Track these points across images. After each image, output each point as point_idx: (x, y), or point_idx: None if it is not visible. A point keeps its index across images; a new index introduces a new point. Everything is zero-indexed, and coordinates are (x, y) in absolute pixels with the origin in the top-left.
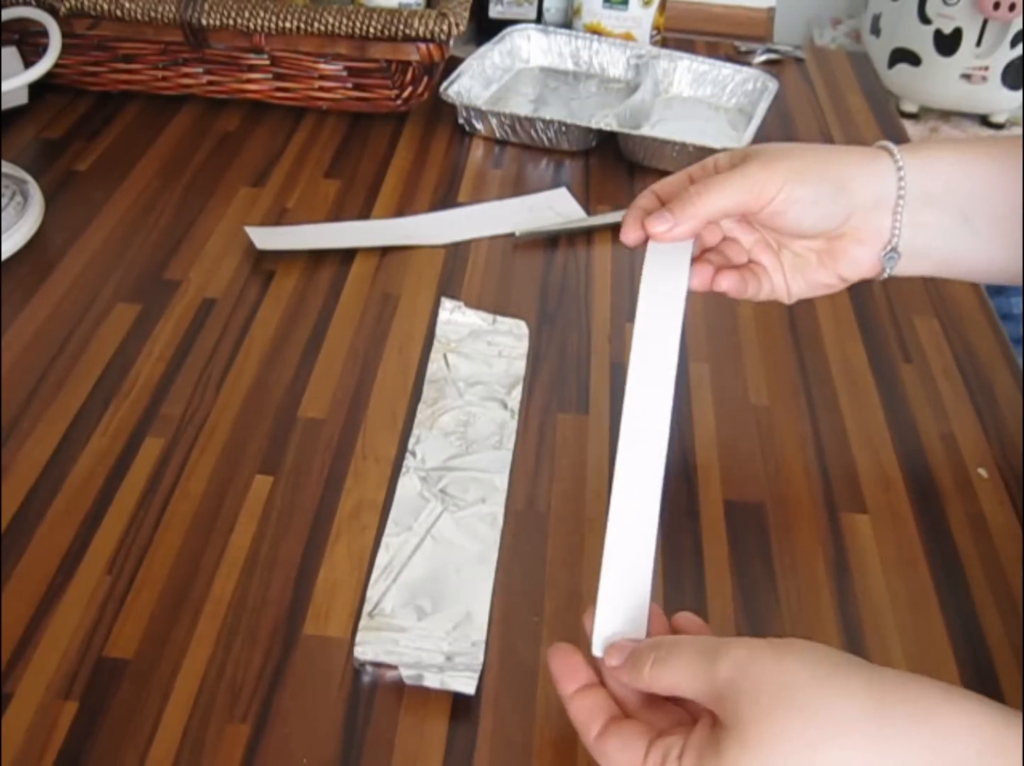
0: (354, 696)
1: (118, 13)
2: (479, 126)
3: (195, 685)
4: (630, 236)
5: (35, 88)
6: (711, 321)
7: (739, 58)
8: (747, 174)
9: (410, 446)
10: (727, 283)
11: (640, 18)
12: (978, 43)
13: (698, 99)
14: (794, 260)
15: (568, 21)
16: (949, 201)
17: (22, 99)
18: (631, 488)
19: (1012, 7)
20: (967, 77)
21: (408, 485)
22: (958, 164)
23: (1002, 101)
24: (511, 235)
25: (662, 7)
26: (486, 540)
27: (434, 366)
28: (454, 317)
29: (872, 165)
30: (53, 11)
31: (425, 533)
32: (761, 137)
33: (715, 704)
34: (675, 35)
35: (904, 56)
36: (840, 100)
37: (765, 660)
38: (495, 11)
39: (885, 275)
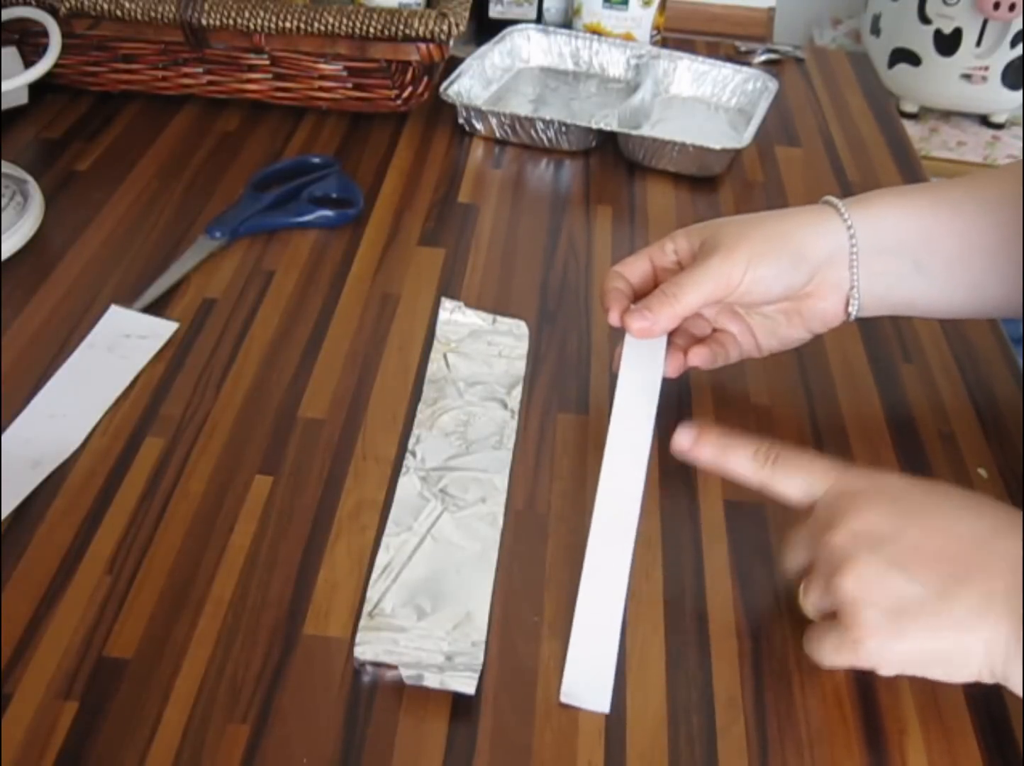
0: (354, 696)
1: (118, 13)
2: (479, 126)
3: (195, 685)
4: (613, 319)
5: (35, 88)
6: None
7: (739, 58)
8: (711, 266)
9: (410, 446)
10: (698, 359)
11: (640, 18)
12: (978, 43)
13: (698, 99)
14: (764, 322)
15: (568, 21)
16: (900, 251)
17: (22, 99)
18: (605, 547)
19: (1012, 7)
20: (967, 77)
21: (408, 485)
22: (904, 215)
23: (1002, 101)
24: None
25: (662, 7)
26: (486, 540)
27: (434, 366)
28: (454, 317)
29: (823, 225)
30: (53, 11)
31: (425, 533)
32: (761, 137)
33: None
34: (675, 35)
35: (904, 56)
36: (840, 100)
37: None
38: (495, 11)
39: (851, 319)
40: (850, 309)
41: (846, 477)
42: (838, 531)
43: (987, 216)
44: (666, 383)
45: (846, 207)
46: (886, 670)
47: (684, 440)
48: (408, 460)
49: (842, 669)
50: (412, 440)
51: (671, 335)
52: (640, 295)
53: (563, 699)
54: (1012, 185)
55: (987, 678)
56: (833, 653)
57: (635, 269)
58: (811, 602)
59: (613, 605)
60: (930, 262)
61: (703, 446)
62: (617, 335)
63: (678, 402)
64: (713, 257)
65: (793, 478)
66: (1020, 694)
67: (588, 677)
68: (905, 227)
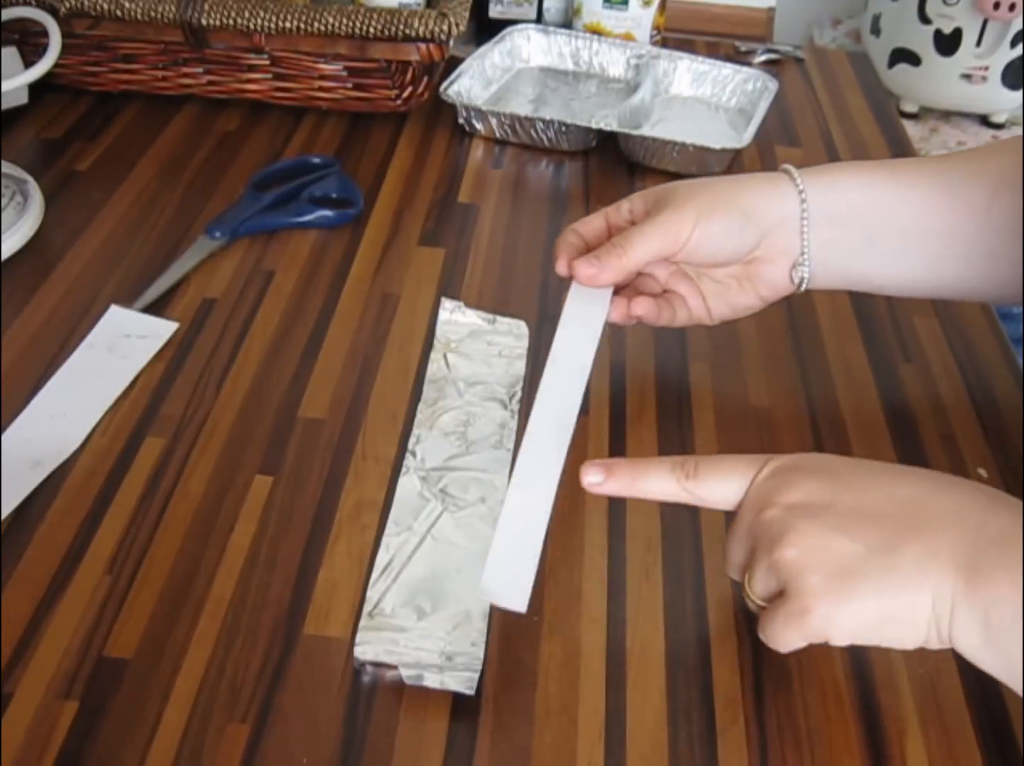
0: (354, 696)
1: (118, 13)
2: (479, 126)
3: (195, 685)
4: (561, 268)
5: (35, 88)
6: None
7: (739, 58)
8: (660, 222)
9: (410, 446)
10: (641, 309)
11: (640, 18)
12: (978, 43)
13: (698, 99)
14: (714, 287)
15: (568, 21)
16: (852, 221)
17: (22, 99)
18: (535, 459)
19: (1012, 7)
20: (967, 77)
21: (408, 485)
22: (861, 186)
23: (1002, 101)
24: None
25: (662, 7)
26: (486, 540)
27: (434, 366)
28: (454, 317)
29: (775, 189)
30: (53, 11)
31: (425, 533)
32: (761, 137)
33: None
34: (675, 35)
35: (904, 56)
36: (840, 100)
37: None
38: (495, 11)
39: (801, 289)
40: (796, 275)
41: (773, 462)
42: (772, 508)
43: (943, 193)
44: (666, 385)
45: (801, 175)
46: (838, 639)
47: (593, 477)
48: (408, 460)
49: (796, 648)
50: (412, 440)
51: (619, 290)
52: (592, 249)
53: (480, 596)
54: (974, 165)
55: (935, 642)
56: (783, 629)
57: (590, 227)
58: (757, 588)
59: (539, 512)
60: (883, 236)
61: (616, 477)
62: (617, 335)
63: (678, 403)
64: (663, 213)
65: (718, 483)
66: (964, 653)
67: (508, 575)
68: (858, 197)
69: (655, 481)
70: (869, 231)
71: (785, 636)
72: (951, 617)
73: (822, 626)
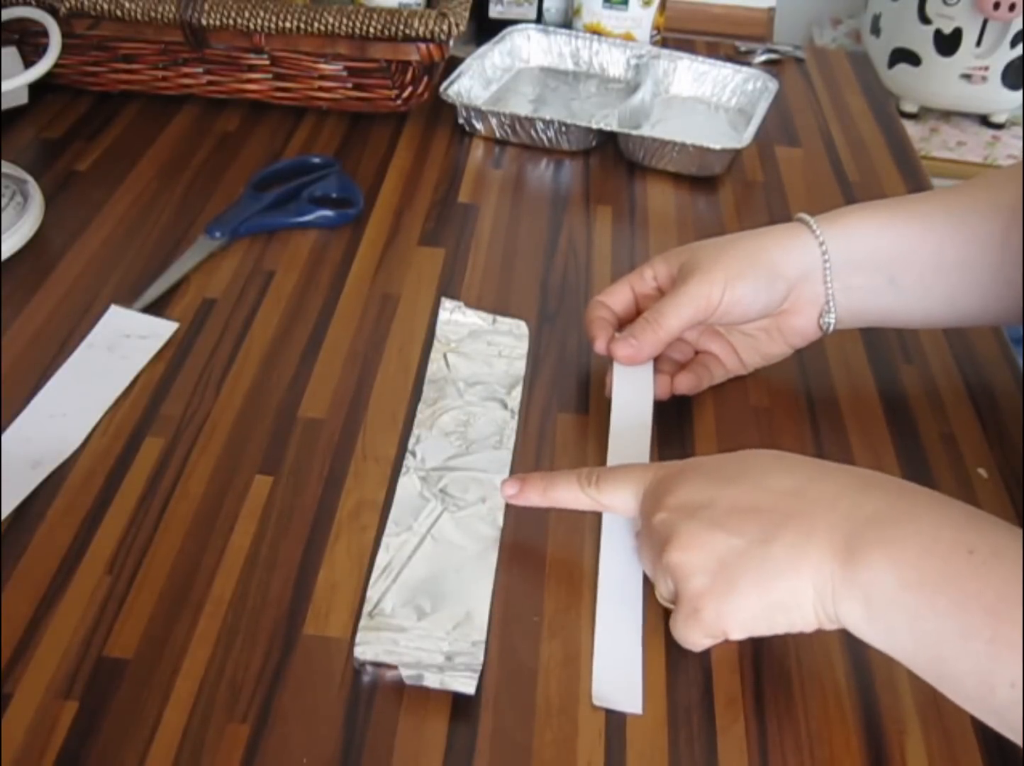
0: (354, 696)
1: (118, 13)
2: (479, 126)
3: (195, 685)
4: (600, 349)
5: (35, 88)
6: None
7: (739, 58)
8: (689, 291)
9: (410, 446)
10: (684, 386)
11: (640, 18)
12: (978, 43)
13: (698, 99)
14: (745, 340)
15: (568, 21)
16: (873, 265)
17: (22, 99)
18: (616, 558)
19: (1012, 7)
20: (967, 77)
21: (408, 485)
22: (876, 228)
23: (1002, 101)
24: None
25: (662, 7)
26: (486, 540)
27: (434, 366)
28: (454, 317)
29: (795, 242)
30: (53, 11)
31: (425, 533)
32: (761, 137)
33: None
34: (675, 35)
35: (904, 56)
36: (840, 100)
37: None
38: (495, 11)
39: (827, 333)
40: (823, 323)
41: (660, 470)
42: (659, 512)
43: (960, 229)
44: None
45: (818, 223)
46: (736, 633)
47: (510, 489)
48: (408, 460)
49: (706, 646)
50: (412, 440)
51: (656, 361)
52: (624, 322)
53: (595, 702)
54: (983, 196)
55: (827, 623)
56: (684, 629)
57: (617, 298)
58: (661, 590)
59: (633, 611)
60: (904, 276)
61: (529, 489)
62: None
63: (678, 404)
64: (691, 280)
65: (616, 490)
66: (857, 633)
67: (617, 678)
68: (877, 242)
69: (563, 490)
70: (890, 273)
71: (689, 636)
72: (833, 598)
73: (715, 623)
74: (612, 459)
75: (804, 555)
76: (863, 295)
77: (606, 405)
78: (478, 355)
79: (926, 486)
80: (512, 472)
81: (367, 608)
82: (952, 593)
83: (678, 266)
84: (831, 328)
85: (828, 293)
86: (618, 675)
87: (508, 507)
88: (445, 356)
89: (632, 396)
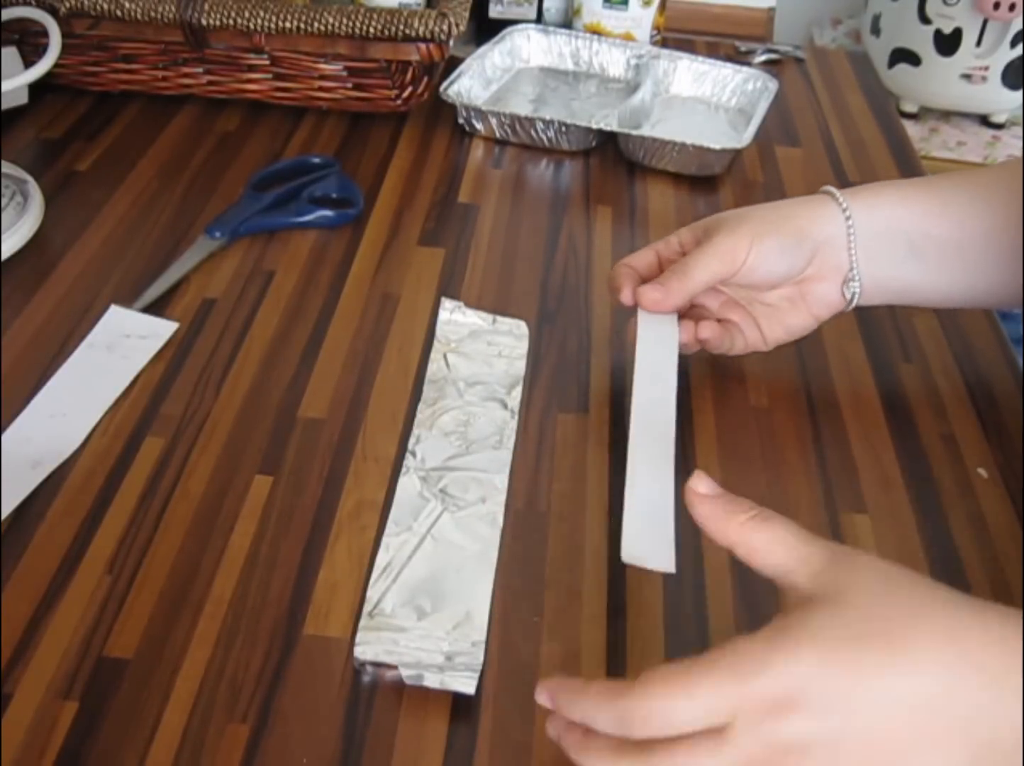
0: (354, 696)
1: (118, 13)
2: (479, 126)
3: (195, 685)
4: (626, 295)
5: (35, 88)
6: None
7: (739, 58)
8: (716, 245)
9: (410, 446)
10: (708, 332)
11: (640, 18)
12: (978, 43)
13: (698, 99)
14: (767, 310)
15: (568, 21)
16: (895, 234)
17: (22, 99)
18: (647, 434)
19: (1012, 7)
20: (967, 77)
21: (408, 485)
22: (899, 199)
23: (1002, 101)
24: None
25: (662, 7)
26: (486, 540)
27: (434, 366)
28: (454, 317)
29: (821, 209)
30: (53, 11)
31: (425, 533)
32: (761, 137)
33: (805, 576)
34: (675, 35)
35: (904, 56)
36: (840, 100)
37: (865, 555)
38: (495, 11)
39: (852, 306)
40: (847, 291)
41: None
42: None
43: (979, 204)
44: None
45: (842, 195)
46: None
47: (541, 698)
48: (408, 460)
49: None
50: (412, 440)
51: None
52: (648, 281)
53: (624, 558)
54: (1007, 177)
55: None
56: None
57: (642, 260)
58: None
59: (664, 474)
60: (924, 246)
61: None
62: (617, 335)
63: (678, 403)
64: (717, 236)
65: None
66: None
67: (648, 534)
68: (899, 212)
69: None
70: (911, 244)
71: None
72: None
73: None
74: (636, 413)
75: None
76: (885, 265)
77: (606, 405)
78: (478, 355)
79: (926, 486)
80: (512, 472)
81: (367, 608)
82: None
83: (703, 230)
84: (855, 299)
85: (852, 261)
86: (649, 529)
87: (508, 507)
88: (445, 356)
89: (658, 340)
